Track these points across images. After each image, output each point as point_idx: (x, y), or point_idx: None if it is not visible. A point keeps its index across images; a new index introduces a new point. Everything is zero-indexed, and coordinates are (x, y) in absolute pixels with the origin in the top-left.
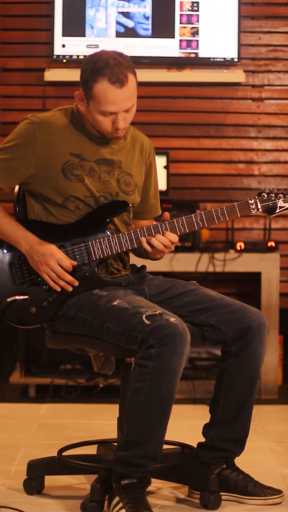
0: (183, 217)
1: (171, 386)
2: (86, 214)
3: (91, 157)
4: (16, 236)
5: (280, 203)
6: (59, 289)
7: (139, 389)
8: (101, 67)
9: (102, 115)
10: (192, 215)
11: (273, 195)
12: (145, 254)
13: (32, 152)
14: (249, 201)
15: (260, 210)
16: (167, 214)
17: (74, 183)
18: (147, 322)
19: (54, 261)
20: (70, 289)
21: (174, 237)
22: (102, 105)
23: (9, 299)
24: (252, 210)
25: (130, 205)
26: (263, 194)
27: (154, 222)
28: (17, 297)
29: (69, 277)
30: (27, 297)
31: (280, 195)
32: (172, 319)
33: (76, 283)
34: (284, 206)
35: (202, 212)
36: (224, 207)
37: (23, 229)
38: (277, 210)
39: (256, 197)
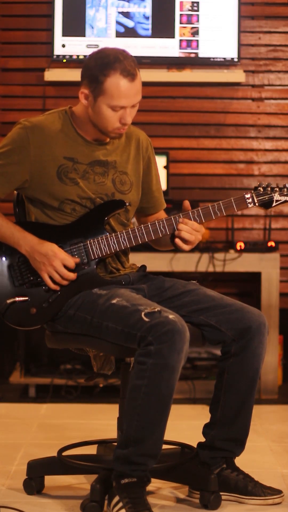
0: (181, 214)
1: (171, 383)
2: (84, 214)
3: (84, 160)
4: (14, 237)
5: (276, 196)
6: (58, 288)
7: (138, 386)
8: (111, 61)
9: (111, 110)
10: (189, 211)
11: (269, 189)
12: (172, 244)
13: (27, 157)
14: (245, 195)
15: (257, 204)
16: (187, 202)
17: (69, 186)
18: (146, 319)
19: (58, 262)
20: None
21: (193, 224)
22: (115, 99)
23: (8, 301)
24: (248, 205)
25: (127, 203)
26: (259, 188)
27: (164, 216)
28: (16, 299)
29: (72, 276)
30: (26, 298)
31: (276, 188)
32: (171, 316)
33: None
34: (280, 200)
35: (200, 208)
36: (220, 202)
37: (21, 230)
38: (274, 204)
39: (252, 192)
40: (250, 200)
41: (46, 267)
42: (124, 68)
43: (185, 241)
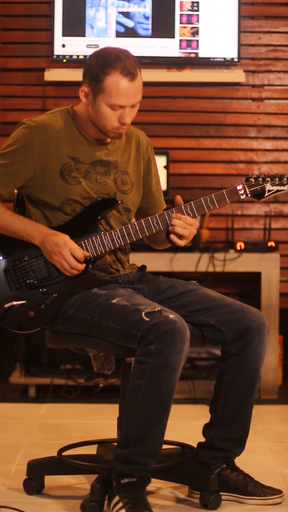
0: (173, 209)
1: (171, 383)
2: (77, 215)
3: (87, 159)
4: (27, 230)
5: (268, 186)
6: (72, 275)
7: (138, 386)
8: (112, 60)
9: (110, 109)
10: (182, 206)
11: (261, 179)
12: (168, 240)
13: (31, 156)
14: (237, 187)
15: (249, 195)
16: (179, 197)
17: (72, 185)
18: (146, 319)
19: (67, 251)
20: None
21: (186, 218)
22: (113, 98)
23: (6, 305)
24: (241, 196)
25: (119, 201)
26: (251, 179)
27: None
28: (14, 303)
29: (80, 267)
30: (24, 302)
31: (267, 179)
32: (171, 316)
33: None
34: (272, 190)
35: (192, 202)
36: (213, 195)
37: (33, 222)
38: (266, 194)
39: (244, 183)
40: (242, 192)
41: (56, 255)
42: (124, 67)
43: (179, 236)
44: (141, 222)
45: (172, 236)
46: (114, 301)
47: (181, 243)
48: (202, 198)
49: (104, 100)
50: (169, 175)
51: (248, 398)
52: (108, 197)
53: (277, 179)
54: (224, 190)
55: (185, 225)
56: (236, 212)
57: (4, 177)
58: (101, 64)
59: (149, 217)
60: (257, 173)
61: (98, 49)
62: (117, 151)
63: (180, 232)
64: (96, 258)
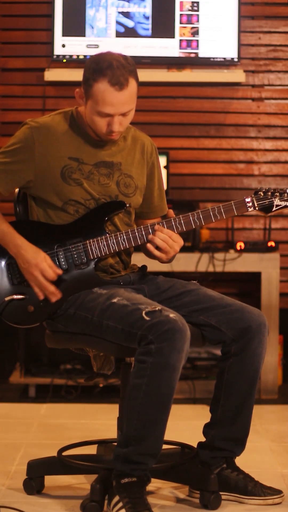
0: (180, 216)
1: (171, 382)
2: (84, 214)
3: (90, 160)
4: (5, 239)
5: (277, 201)
6: (42, 298)
7: (138, 385)
8: (103, 67)
9: (98, 116)
10: (189, 213)
11: (270, 193)
12: (152, 256)
13: (31, 156)
14: (246, 199)
15: (257, 209)
16: (171, 211)
17: (73, 187)
18: (146, 318)
19: (38, 272)
20: (53, 300)
21: (173, 233)
22: (99, 106)
23: (6, 299)
24: (248, 209)
25: (128, 205)
26: (260, 192)
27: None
28: (14, 297)
29: (51, 289)
30: (24, 296)
31: (276, 193)
32: (171, 315)
33: (59, 296)
34: (280, 205)
35: (199, 211)
36: (221, 206)
37: (12, 232)
38: (274, 209)
39: (253, 196)
40: (250, 204)
41: (27, 275)
42: (113, 76)
43: (157, 247)
44: (147, 227)
45: (149, 245)
46: (115, 300)
47: (157, 253)
48: (210, 208)
49: (92, 106)
50: (169, 175)
51: (248, 398)
52: (111, 199)
53: (286, 194)
54: (232, 202)
55: (166, 238)
56: (236, 215)
57: (3, 175)
58: (93, 69)
59: (155, 222)
60: (266, 187)
61: (98, 52)
62: (121, 153)
63: (158, 243)
64: (100, 259)
